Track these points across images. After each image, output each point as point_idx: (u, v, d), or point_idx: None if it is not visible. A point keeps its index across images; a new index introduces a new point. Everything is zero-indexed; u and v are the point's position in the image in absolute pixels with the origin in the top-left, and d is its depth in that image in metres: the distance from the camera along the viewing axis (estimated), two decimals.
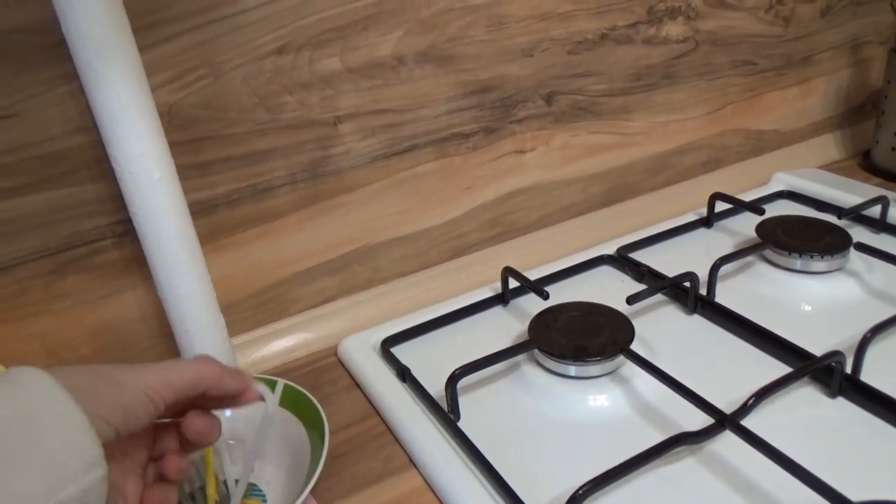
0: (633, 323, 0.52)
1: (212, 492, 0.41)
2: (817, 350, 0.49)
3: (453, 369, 0.47)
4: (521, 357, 0.52)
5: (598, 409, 0.47)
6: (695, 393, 0.44)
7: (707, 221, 0.71)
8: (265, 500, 0.43)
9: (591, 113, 0.68)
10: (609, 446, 0.44)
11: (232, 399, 0.36)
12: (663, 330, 0.55)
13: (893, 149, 0.79)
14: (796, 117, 0.84)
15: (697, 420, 0.44)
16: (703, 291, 0.57)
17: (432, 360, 0.53)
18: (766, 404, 0.45)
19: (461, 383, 0.47)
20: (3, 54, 0.43)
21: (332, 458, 0.45)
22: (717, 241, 0.68)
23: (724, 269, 0.58)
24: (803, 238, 0.61)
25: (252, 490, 0.43)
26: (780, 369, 0.49)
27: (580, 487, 0.38)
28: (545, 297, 0.55)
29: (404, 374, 0.51)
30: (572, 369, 0.49)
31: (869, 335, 0.47)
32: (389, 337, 0.56)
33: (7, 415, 0.26)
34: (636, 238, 0.67)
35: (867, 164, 0.83)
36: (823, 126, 0.87)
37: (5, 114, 0.44)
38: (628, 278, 0.63)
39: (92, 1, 0.40)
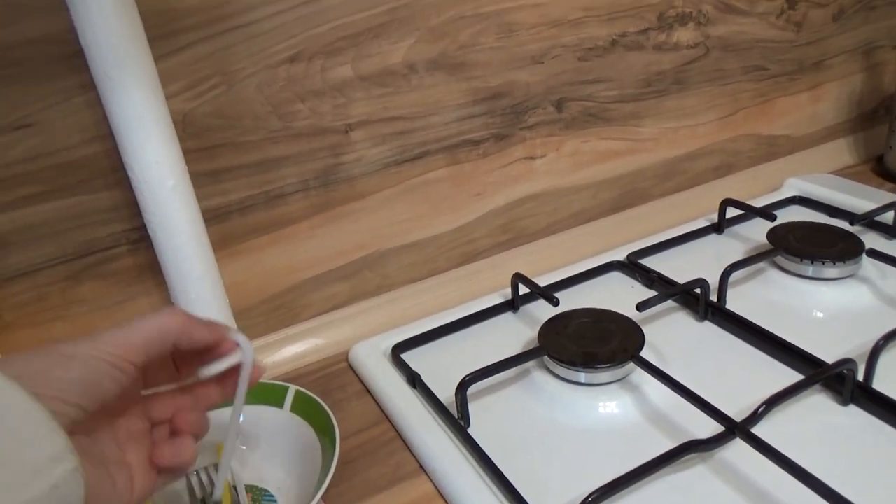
0: (644, 329, 0.52)
1: (226, 500, 0.42)
2: (829, 357, 0.48)
3: (463, 376, 0.47)
4: (531, 363, 0.52)
5: (608, 416, 0.47)
6: (705, 400, 0.44)
7: (718, 227, 0.70)
8: None
9: (601, 119, 0.68)
10: (619, 453, 0.44)
11: (211, 353, 0.35)
12: (674, 337, 0.55)
13: None
14: (808, 122, 0.84)
15: (708, 427, 0.44)
16: (713, 298, 0.57)
17: (442, 367, 0.53)
18: (776, 412, 0.45)
19: (471, 389, 0.48)
20: (23, 65, 0.44)
21: (342, 463, 0.46)
22: (729, 248, 0.68)
23: (735, 275, 0.58)
24: (815, 244, 0.60)
25: (264, 496, 0.44)
26: (792, 377, 0.49)
27: (590, 495, 0.38)
28: (555, 303, 0.55)
29: (414, 380, 0.51)
30: (582, 376, 0.49)
31: (881, 342, 0.47)
32: (400, 343, 0.56)
33: None
34: (646, 244, 0.67)
35: (880, 170, 0.82)
36: (836, 131, 0.87)
37: (24, 123, 0.45)
38: (638, 284, 0.63)
39: (109, 13, 0.41)
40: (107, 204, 0.49)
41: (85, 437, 0.30)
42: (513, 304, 0.61)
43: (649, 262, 0.65)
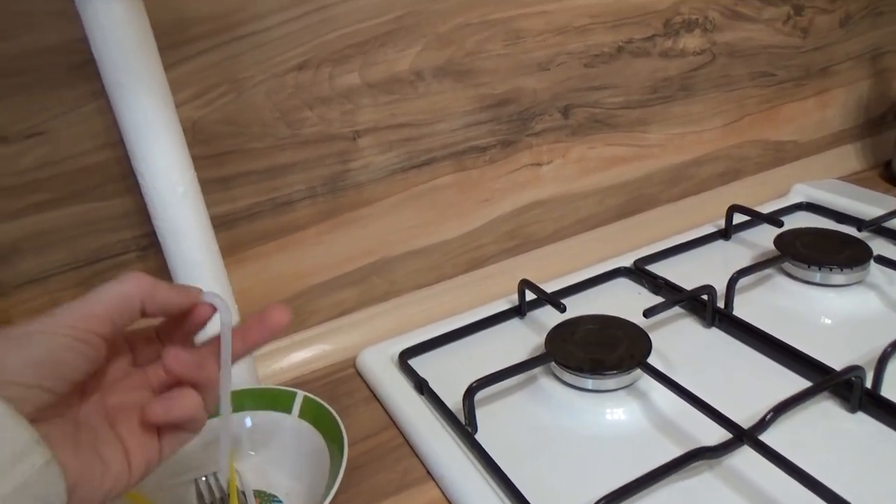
0: (651, 336, 0.52)
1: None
2: (837, 364, 0.48)
3: (470, 382, 0.48)
4: (538, 370, 0.52)
5: (616, 423, 0.47)
6: (712, 407, 0.44)
7: (725, 233, 0.70)
8: None
9: (607, 125, 0.69)
10: (626, 460, 0.44)
11: (188, 321, 0.33)
12: (681, 343, 0.55)
13: None
14: (815, 128, 0.84)
15: (715, 434, 0.44)
16: (720, 304, 0.57)
17: (450, 373, 0.53)
18: (784, 419, 0.45)
19: (478, 396, 0.48)
20: (35, 73, 0.45)
21: (350, 469, 0.46)
22: (736, 254, 0.68)
23: (742, 281, 0.58)
24: (823, 251, 0.60)
25: (272, 501, 0.44)
26: (799, 384, 0.49)
27: (597, 502, 0.38)
28: (562, 309, 0.55)
29: (422, 386, 0.51)
30: (589, 382, 0.49)
31: (889, 349, 0.47)
32: (407, 349, 0.56)
33: None
34: (653, 250, 0.67)
35: (888, 175, 0.82)
36: (843, 137, 0.87)
37: (36, 131, 0.46)
38: (645, 291, 0.63)
39: (121, 22, 0.41)
40: (117, 211, 0.50)
41: (65, 420, 0.29)
42: (520, 311, 0.61)
43: (656, 268, 0.65)
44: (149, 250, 0.51)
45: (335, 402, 0.46)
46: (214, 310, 0.33)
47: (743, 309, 0.57)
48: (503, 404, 0.50)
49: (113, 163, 0.48)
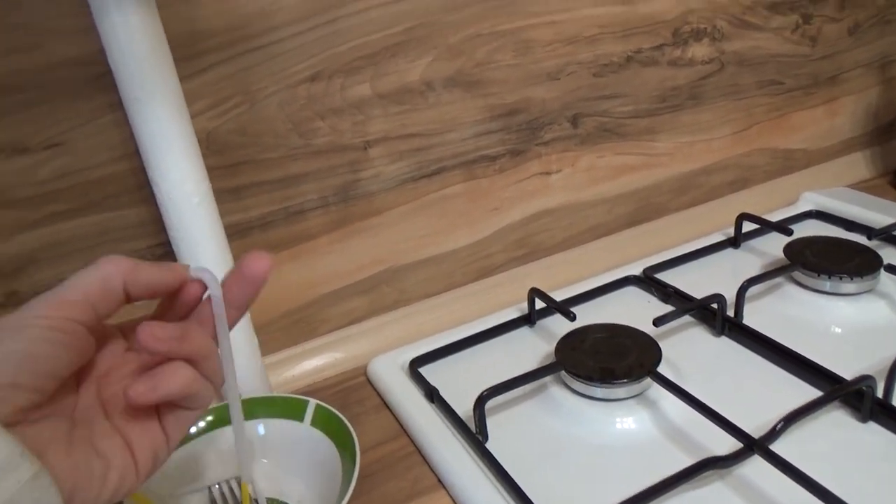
0: (660, 345, 0.52)
1: None
2: (847, 373, 0.48)
3: (481, 390, 0.48)
4: (548, 378, 0.52)
5: (626, 432, 0.48)
6: (723, 417, 0.44)
7: (734, 242, 0.70)
8: None
9: (616, 134, 0.69)
10: (636, 469, 0.44)
11: (179, 300, 0.31)
12: (690, 352, 0.55)
13: None
14: (824, 136, 0.84)
15: (726, 444, 0.44)
16: (730, 313, 0.57)
17: (460, 381, 0.53)
18: (795, 429, 0.45)
19: (489, 404, 0.48)
20: (53, 86, 0.45)
21: (361, 477, 0.46)
22: (745, 262, 0.68)
23: (752, 290, 0.58)
24: (832, 259, 0.60)
25: None
26: (810, 393, 0.49)
27: None
28: (572, 318, 0.55)
29: (432, 394, 0.52)
30: (599, 391, 0.49)
31: None
32: (417, 357, 0.56)
33: None
34: (662, 259, 0.67)
35: None
36: (853, 144, 0.87)
37: (54, 142, 0.46)
38: (655, 299, 0.63)
39: (137, 35, 0.42)
40: (132, 220, 0.50)
41: (59, 419, 0.27)
42: (529, 319, 0.61)
43: (665, 276, 0.65)
44: (163, 259, 0.52)
45: (346, 410, 0.46)
46: (205, 287, 0.31)
47: (753, 318, 0.57)
48: (513, 413, 0.51)
49: (129, 173, 0.49)
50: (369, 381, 0.57)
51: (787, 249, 0.63)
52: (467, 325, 0.60)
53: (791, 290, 0.61)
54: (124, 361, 0.31)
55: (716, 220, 0.74)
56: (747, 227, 0.70)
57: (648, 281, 0.65)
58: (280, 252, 0.56)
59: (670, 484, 0.40)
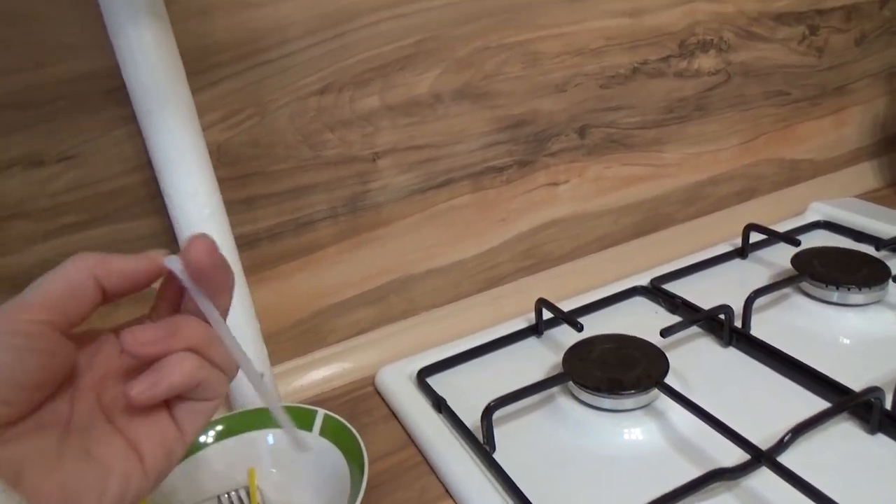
0: (668, 355, 0.52)
1: None
2: (856, 384, 0.48)
3: (489, 401, 0.48)
4: (555, 389, 0.52)
5: (633, 443, 0.48)
6: (730, 428, 0.44)
7: (742, 252, 0.70)
8: None
9: (623, 145, 0.69)
10: (644, 480, 0.44)
11: (168, 291, 0.31)
12: (698, 363, 0.55)
13: None
14: (832, 146, 0.84)
15: (733, 455, 0.44)
16: (738, 324, 0.57)
17: (468, 391, 0.54)
18: (803, 440, 0.45)
19: (496, 415, 0.48)
20: (68, 99, 0.46)
21: (369, 487, 0.46)
22: (753, 273, 0.68)
23: (759, 301, 0.58)
24: (840, 270, 0.60)
25: None
26: (818, 404, 0.49)
27: None
28: (579, 328, 0.55)
29: (440, 404, 0.52)
30: (606, 402, 0.49)
31: None
32: (425, 367, 0.57)
33: None
34: (670, 269, 0.67)
35: None
36: (860, 155, 0.87)
37: (68, 155, 0.47)
38: (662, 310, 0.63)
39: (151, 50, 0.43)
40: (144, 231, 0.51)
41: (48, 432, 0.26)
42: (537, 329, 0.61)
43: (673, 287, 0.65)
44: None
45: (354, 420, 0.46)
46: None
47: (760, 328, 0.57)
48: (521, 423, 0.51)
49: (141, 185, 0.50)
50: (377, 391, 0.57)
51: (795, 260, 0.63)
52: (475, 335, 0.61)
53: (799, 300, 0.61)
54: (121, 363, 0.30)
55: (723, 231, 0.74)
56: (755, 237, 0.70)
57: (656, 291, 0.65)
58: (289, 262, 0.57)
59: (677, 495, 0.41)
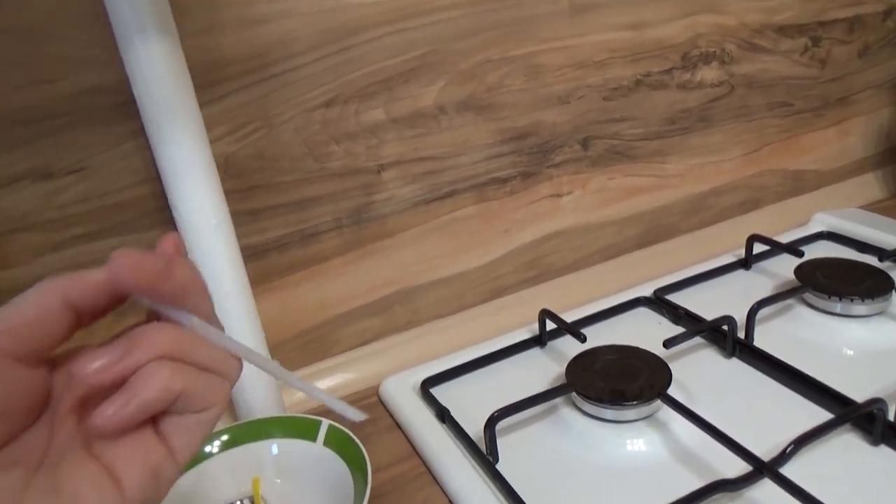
0: (671, 366, 0.52)
1: None
2: (858, 396, 0.48)
3: (492, 411, 0.48)
4: (558, 400, 0.53)
5: (636, 454, 0.48)
6: (732, 439, 0.44)
7: (745, 263, 0.71)
8: None
9: (626, 156, 0.70)
10: (646, 492, 0.44)
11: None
12: (701, 374, 0.55)
13: None
14: (836, 157, 0.84)
15: (736, 467, 0.44)
16: (741, 335, 0.57)
17: (471, 401, 0.54)
18: (805, 451, 0.45)
19: (499, 425, 0.48)
20: (79, 113, 0.47)
21: (372, 498, 0.46)
22: (756, 283, 0.68)
23: (762, 311, 0.58)
24: (844, 281, 0.60)
25: None
26: (821, 415, 0.49)
27: None
28: (582, 339, 0.56)
29: (443, 415, 0.52)
30: (609, 413, 0.49)
31: None
32: (429, 378, 0.57)
33: None
34: (673, 280, 0.68)
35: None
36: (864, 165, 0.87)
37: (78, 167, 0.48)
38: (665, 320, 0.64)
39: (160, 65, 0.44)
40: (152, 243, 0.50)
41: (12, 471, 0.24)
42: (540, 340, 0.61)
43: (676, 297, 0.65)
44: None
45: (358, 431, 0.47)
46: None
47: (763, 339, 0.57)
48: (524, 434, 0.51)
49: (149, 197, 0.50)
50: (381, 402, 0.57)
51: (798, 271, 0.63)
52: (479, 345, 0.61)
53: (802, 311, 0.61)
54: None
55: (727, 242, 0.74)
56: (758, 248, 0.70)
57: (659, 302, 0.65)
58: (295, 273, 0.57)
59: None
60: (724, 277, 0.69)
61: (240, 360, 0.29)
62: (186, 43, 0.47)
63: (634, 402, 0.49)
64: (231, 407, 0.54)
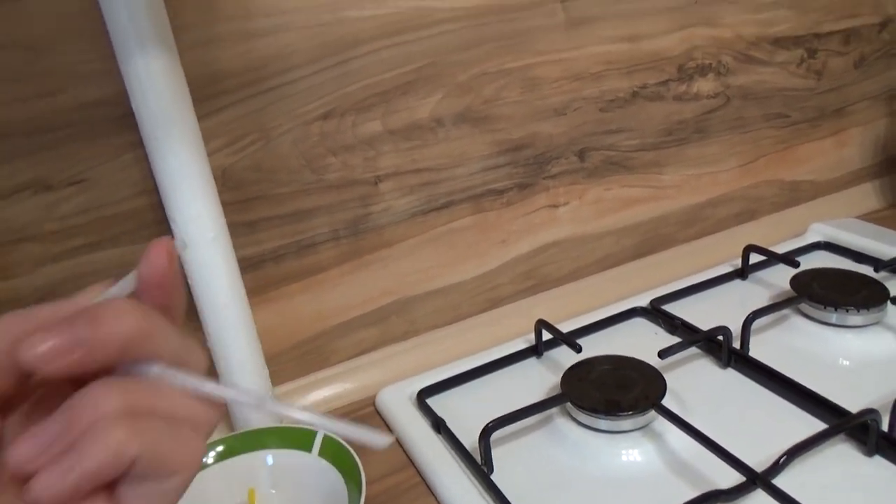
0: (666, 377, 0.52)
1: None
2: (853, 406, 0.48)
3: (487, 421, 0.49)
4: (553, 410, 0.53)
5: (631, 464, 0.48)
6: (725, 450, 0.44)
7: (742, 273, 0.71)
8: None
9: (623, 167, 0.70)
10: (641, 502, 0.44)
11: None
12: (696, 384, 0.55)
13: None
14: (832, 167, 0.85)
15: (731, 477, 0.44)
16: (736, 345, 0.58)
17: (467, 411, 0.54)
18: (799, 462, 0.45)
19: (494, 435, 0.49)
20: (78, 125, 0.48)
21: None
22: (752, 294, 0.68)
23: (758, 322, 0.59)
24: (839, 291, 0.60)
25: None
26: (815, 426, 0.49)
27: None
28: (578, 350, 0.56)
29: (439, 425, 0.52)
30: (604, 423, 0.50)
31: None
32: (425, 388, 0.57)
33: None
34: (669, 290, 0.68)
35: None
36: (861, 176, 0.87)
37: (78, 179, 0.49)
38: (661, 331, 0.64)
39: (158, 79, 0.44)
40: None
41: None
42: (536, 350, 0.62)
43: (672, 308, 0.65)
44: None
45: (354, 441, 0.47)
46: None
47: (759, 350, 0.57)
48: (519, 444, 0.51)
49: (148, 209, 0.51)
50: (378, 412, 0.58)
51: (794, 281, 0.64)
52: (475, 355, 0.61)
53: (798, 322, 0.61)
54: None
55: (723, 252, 0.74)
56: (754, 258, 0.71)
57: (655, 312, 0.65)
58: (292, 284, 0.58)
59: None
60: (721, 288, 0.70)
61: (219, 404, 0.25)
62: (185, 56, 0.47)
63: (629, 413, 0.49)
64: (227, 417, 0.54)
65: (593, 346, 0.59)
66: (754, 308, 0.59)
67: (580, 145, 0.67)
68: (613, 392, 0.51)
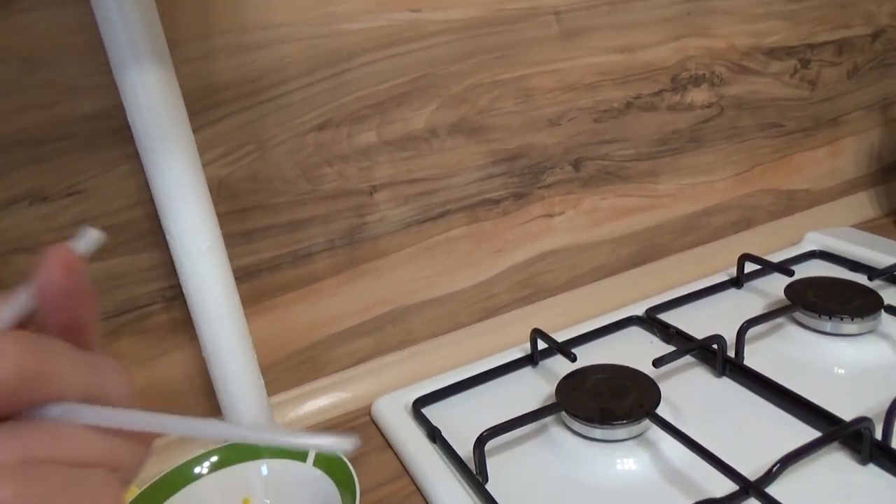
0: (660, 386, 0.52)
1: None
2: (847, 415, 0.48)
3: (482, 431, 0.49)
4: (548, 419, 0.53)
5: (625, 473, 0.48)
6: (719, 459, 0.45)
7: (737, 282, 0.71)
8: None
9: (618, 177, 0.70)
10: None
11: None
12: (691, 393, 0.55)
13: None
14: (828, 176, 0.85)
15: (724, 486, 0.44)
16: (731, 354, 0.58)
17: (462, 421, 0.54)
18: (793, 471, 0.45)
19: (489, 444, 0.49)
20: (75, 137, 0.48)
21: None
22: (748, 302, 0.68)
23: (753, 330, 0.59)
24: (834, 300, 0.61)
25: None
26: (809, 434, 0.49)
27: None
28: (573, 359, 0.56)
29: (434, 434, 0.53)
30: (598, 432, 0.50)
31: None
32: (420, 397, 0.57)
33: None
34: (665, 299, 0.68)
35: None
36: (856, 185, 0.88)
37: (74, 190, 0.49)
38: (657, 339, 0.64)
39: (154, 91, 0.45)
40: (145, 264, 0.52)
41: None
42: (532, 359, 0.62)
43: (668, 316, 0.66)
44: (174, 301, 0.54)
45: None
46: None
47: (753, 358, 0.57)
48: (514, 453, 0.51)
49: (143, 220, 0.51)
50: (373, 421, 0.58)
51: (789, 290, 0.64)
52: (471, 365, 0.61)
53: (792, 330, 0.61)
54: None
55: (718, 261, 0.74)
56: (750, 267, 0.71)
57: (651, 321, 0.65)
58: (287, 294, 0.58)
59: None
60: (716, 296, 0.70)
61: (147, 437, 0.22)
62: (180, 69, 0.48)
63: (624, 422, 0.49)
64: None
65: (589, 355, 0.59)
66: (749, 317, 0.59)
67: (575, 155, 0.67)
68: (608, 401, 0.51)
